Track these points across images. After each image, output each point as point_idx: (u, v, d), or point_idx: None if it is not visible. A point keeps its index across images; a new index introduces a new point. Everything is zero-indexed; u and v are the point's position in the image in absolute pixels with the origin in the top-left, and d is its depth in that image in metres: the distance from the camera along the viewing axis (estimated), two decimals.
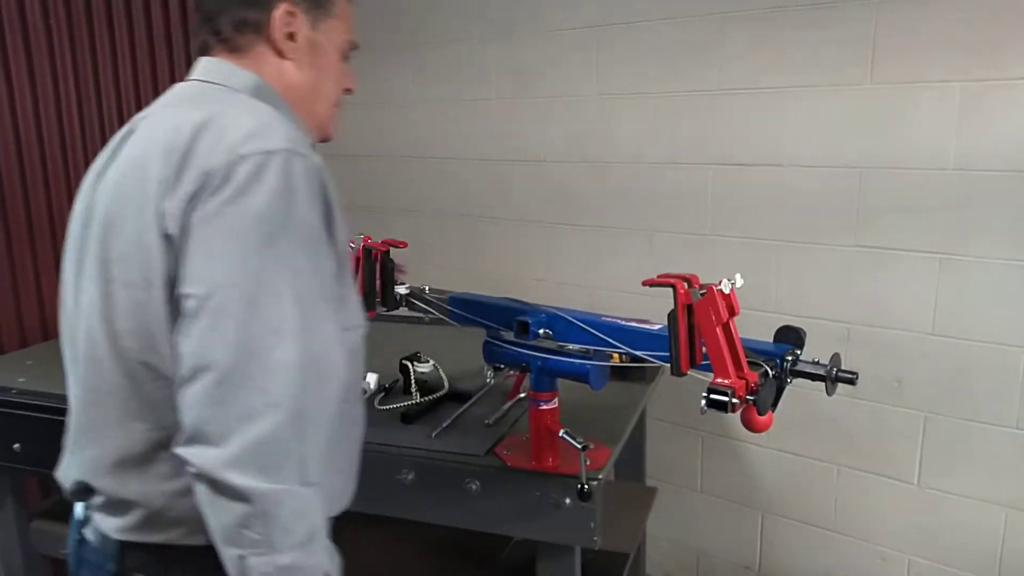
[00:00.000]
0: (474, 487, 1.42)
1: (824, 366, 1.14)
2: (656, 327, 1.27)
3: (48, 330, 2.27)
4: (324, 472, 0.89)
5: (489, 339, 1.42)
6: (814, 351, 1.19)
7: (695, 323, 1.13)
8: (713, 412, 1.10)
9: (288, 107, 1.05)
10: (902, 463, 1.97)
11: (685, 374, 1.16)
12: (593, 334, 1.29)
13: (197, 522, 0.86)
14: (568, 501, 1.35)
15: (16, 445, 1.70)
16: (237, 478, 0.80)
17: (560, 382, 1.38)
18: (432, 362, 1.79)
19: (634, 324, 1.29)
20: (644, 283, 1.17)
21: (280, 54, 1.04)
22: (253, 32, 1.03)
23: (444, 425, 1.56)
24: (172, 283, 0.87)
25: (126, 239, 0.89)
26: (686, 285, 1.13)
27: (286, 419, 0.83)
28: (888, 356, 1.91)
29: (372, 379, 1.77)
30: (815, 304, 2.02)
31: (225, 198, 0.84)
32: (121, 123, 2.37)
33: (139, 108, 2.37)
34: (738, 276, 1.12)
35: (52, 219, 2.25)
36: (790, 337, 1.18)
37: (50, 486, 2.31)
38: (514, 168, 2.50)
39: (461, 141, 2.59)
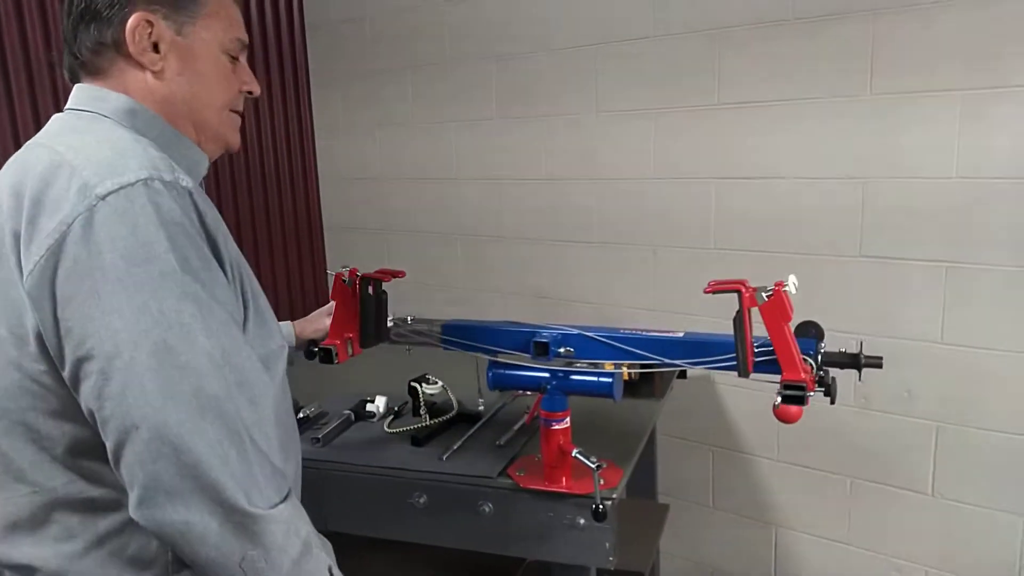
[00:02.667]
0: (487, 509, 1.42)
1: (851, 355, 1.23)
2: (679, 334, 1.30)
3: None
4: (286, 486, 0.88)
5: (495, 364, 1.41)
6: None
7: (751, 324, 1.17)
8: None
9: (167, 126, 0.97)
10: (915, 474, 1.96)
11: (750, 375, 1.21)
12: (618, 347, 1.30)
13: None
14: (583, 521, 1.34)
15: None
16: (218, 521, 0.79)
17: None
18: (440, 383, 1.79)
19: (655, 333, 1.30)
20: (707, 291, 1.19)
21: (142, 68, 0.96)
22: (112, 50, 0.95)
23: (455, 447, 1.55)
24: (42, 338, 0.81)
25: (7, 291, 0.83)
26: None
27: (232, 452, 0.80)
28: (897, 366, 1.90)
29: (381, 402, 1.77)
30: (822, 315, 1.99)
31: (95, 246, 0.78)
32: None
33: None
34: (792, 278, 1.15)
35: None
36: (811, 331, 1.24)
37: None
38: (516, 187, 2.51)
39: (463, 161, 2.60)
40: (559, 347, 1.33)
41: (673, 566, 2.42)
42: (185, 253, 0.82)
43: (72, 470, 0.87)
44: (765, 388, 1.21)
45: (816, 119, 1.94)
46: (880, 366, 1.22)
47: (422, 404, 1.72)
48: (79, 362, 0.79)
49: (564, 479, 1.38)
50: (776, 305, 1.14)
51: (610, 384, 1.31)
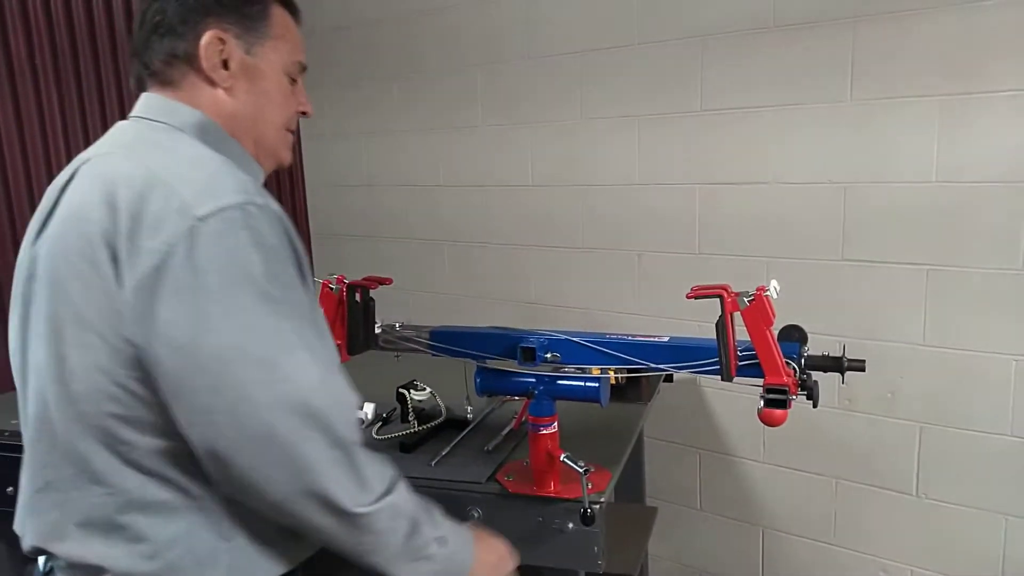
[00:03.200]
0: (476, 514, 1.42)
1: (834, 358, 1.24)
2: (665, 339, 1.31)
3: None
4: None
5: (483, 369, 1.41)
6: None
7: (733, 328, 1.19)
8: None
9: (234, 142, 1.01)
10: (900, 474, 1.98)
11: (733, 379, 1.21)
12: (603, 352, 1.31)
13: None
14: (571, 525, 1.35)
15: (10, 489, 1.68)
16: (331, 520, 0.89)
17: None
18: (429, 389, 1.79)
19: (641, 338, 1.32)
20: (689, 296, 1.21)
21: (212, 83, 0.99)
22: (184, 63, 0.99)
23: (443, 453, 1.55)
24: (138, 349, 0.84)
25: (81, 300, 0.85)
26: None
27: (338, 458, 0.87)
28: (881, 368, 1.92)
29: (369, 409, 1.77)
30: (805, 319, 2.01)
31: (198, 267, 0.81)
32: None
33: None
34: (774, 282, 1.17)
35: None
36: (794, 335, 1.26)
37: None
38: (503, 193, 2.52)
39: (449, 168, 2.61)
40: (546, 352, 1.34)
41: (661, 568, 2.44)
42: (279, 274, 0.87)
43: (146, 474, 0.89)
44: (750, 391, 1.22)
45: (798, 125, 1.96)
46: (863, 369, 1.24)
47: (410, 410, 1.73)
48: (183, 377, 0.83)
49: (552, 484, 1.38)
50: (758, 309, 1.15)
51: (596, 389, 1.31)
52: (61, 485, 0.91)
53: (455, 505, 1.43)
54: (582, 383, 1.33)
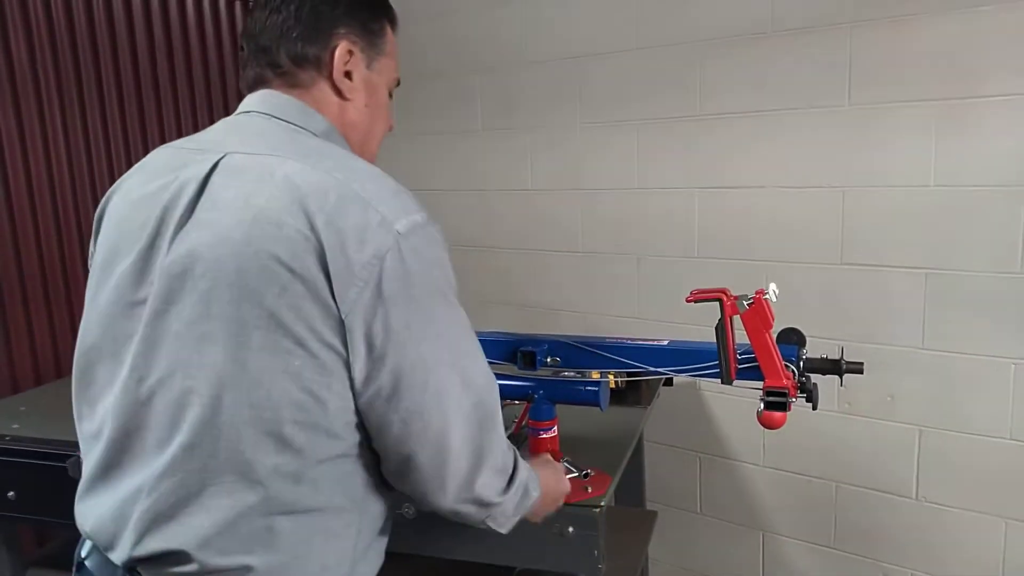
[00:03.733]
0: None
1: (833, 360, 1.26)
2: (664, 342, 1.32)
3: (40, 375, 2.25)
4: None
5: None
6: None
7: (732, 332, 1.20)
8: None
9: (350, 151, 1.01)
10: (900, 478, 1.98)
11: (733, 382, 1.23)
12: (604, 356, 1.31)
13: None
14: (571, 530, 1.35)
15: (11, 493, 1.68)
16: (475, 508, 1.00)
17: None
18: None
19: (641, 342, 1.32)
20: (688, 299, 1.21)
21: (340, 94, 1.02)
22: (313, 68, 1.01)
23: None
24: (338, 355, 0.86)
25: (276, 305, 0.84)
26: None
27: (498, 455, 0.99)
28: (880, 372, 1.93)
29: None
30: (804, 323, 2.02)
31: (405, 281, 0.86)
32: (111, 170, 2.36)
33: (128, 154, 2.41)
34: (773, 285, 1.17)
35: (43, 265, 2.25)
36: (793, 338, 1.27)
37: (44, 533, 2.28)
38: (502, 198, 2.52)
39: (448, 173, 2.62)
40: (545, 357, 1.34)
41: (662, 573, 2.43)
42: (453, 284, 0.93)
43: (306, 481, 0.89)
44: (750, 395, 1.23)
45: (796, 129, 1.97)
46: (861, 371, 1.25)
47: None
48: (386, 385, 0.87)
49: None
50: (757, 313, 1.16)
51: (596, 393, 1.32)
52: (217, 491, 0.87)
53: None
54: (582, 387, 1.34)
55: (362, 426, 0.91)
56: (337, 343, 0.85)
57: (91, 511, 0.96)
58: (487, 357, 1.39)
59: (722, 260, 2.14)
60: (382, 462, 0.95)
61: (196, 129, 2.56)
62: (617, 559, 1.75)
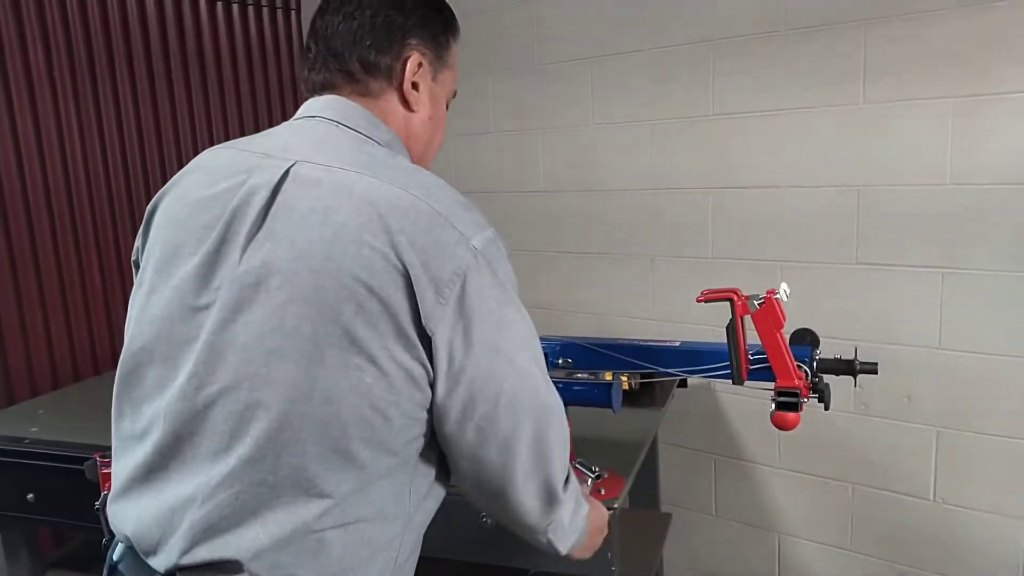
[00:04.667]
0: (488, 521, 1.42)
1: (846, 361, 1.24)
2: (676, 343, 1.31)
3: (58, 379, 2.28)
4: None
5: None
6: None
7: (743, 332, 1.20)
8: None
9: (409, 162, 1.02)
10: (917, 479, 1.96)
11: (744, 382, 1.22)
12: (616, 357, 1.31)
13: None
14: None
15: (30, 495, 1.70)
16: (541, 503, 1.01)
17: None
18: None
19: (652, 343, 1.32)
20: (699, 299, 1.21)
21: (407, 104, 1.03)
22: (384, 78, 1.01)
23: None
24: (411, 371, 0.86)
25: (352, 322, 0.83)
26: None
27: (562, 450, 1.01)
28: (896, 372, 1.91)
29: None
30: (820, 322, 2.01)
31: (484, 295, 0.88)
32: (126, 167, 2.38)
33: (143, 155, 2.42)
34: (784, 285, 1.17)
35: (59, 269, 2.27)
36: (806, 338, 1.26)
37: (63, 535, 2.30)
38: (514, 198, 2.53)
39: (460, 173, 2.62)
40: (558, 358, 1.34)
41: (676, 575, 2.42)
42: (518, 293, 0.94)
43: (363, 497, 0.89)
44: (765, 396, 1.22)
45: (810, 128, 1.96)
46: (875, 372, 1.24)
47: None
48: (464, 396, 0.89)
49: None
50: (768, 312, 1.15)
51: (609, 394, 1.31)
52: (276, 506, 0.86)
53: (467, 511, 1.43)
54: (595, 388, 1.33)
55: (416, 442, 0.92)
56: (408, 360, 0.85)
57: (130, 513, 0.94)
58: None
59: (737, 260, 2.13)
60: (453, 470, 0.98)
61: (210, 129, 2.61)
62: (631, 561, 1.74)
